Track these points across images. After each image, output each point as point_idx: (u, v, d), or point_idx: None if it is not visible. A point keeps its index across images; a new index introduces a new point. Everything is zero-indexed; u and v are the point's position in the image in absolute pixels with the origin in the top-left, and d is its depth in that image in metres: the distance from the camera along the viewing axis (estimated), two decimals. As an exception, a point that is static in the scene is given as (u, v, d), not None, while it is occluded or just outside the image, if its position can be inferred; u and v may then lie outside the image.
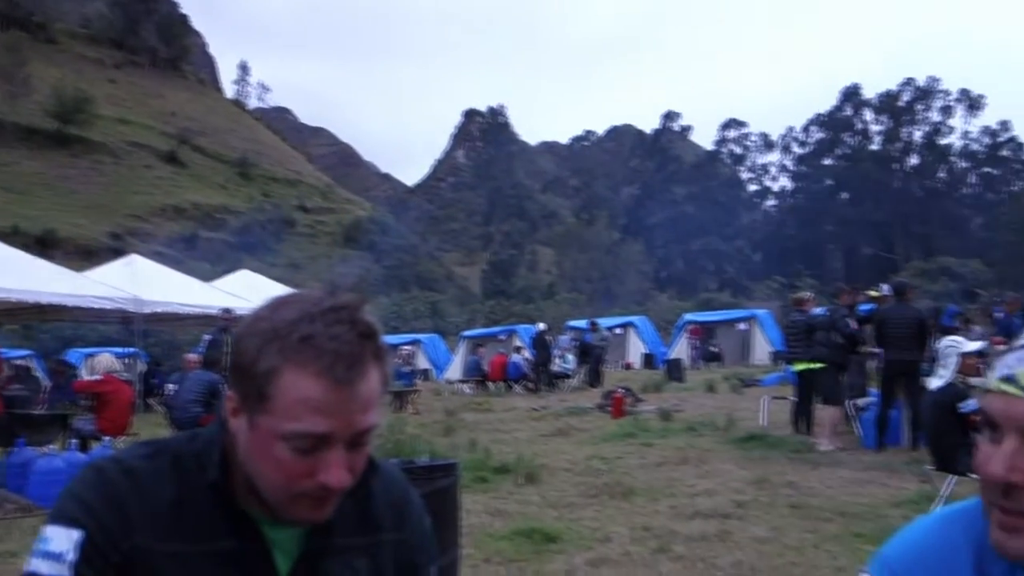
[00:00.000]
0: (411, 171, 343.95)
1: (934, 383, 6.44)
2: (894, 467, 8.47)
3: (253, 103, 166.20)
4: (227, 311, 11.76)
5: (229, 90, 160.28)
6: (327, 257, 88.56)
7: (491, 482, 8.04)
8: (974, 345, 6.52)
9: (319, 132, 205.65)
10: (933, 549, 1.08)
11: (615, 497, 7.29)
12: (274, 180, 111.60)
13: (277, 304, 1.12)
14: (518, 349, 23.50)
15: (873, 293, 11.65)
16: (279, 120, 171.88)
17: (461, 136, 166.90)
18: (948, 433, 6.11)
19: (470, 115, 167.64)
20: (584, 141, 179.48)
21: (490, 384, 22.40)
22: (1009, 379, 0.97)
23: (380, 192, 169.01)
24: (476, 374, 22.99)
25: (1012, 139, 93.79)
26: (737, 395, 17.57)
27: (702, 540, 5.69)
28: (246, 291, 15.60)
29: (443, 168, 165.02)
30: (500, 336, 32.62)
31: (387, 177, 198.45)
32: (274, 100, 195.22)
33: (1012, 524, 0.97)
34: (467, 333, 34.11)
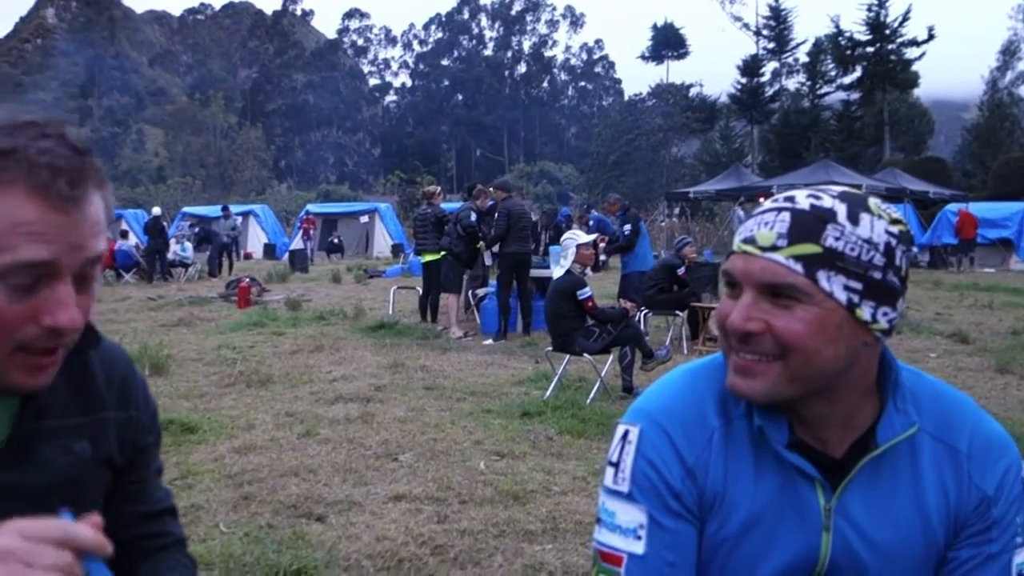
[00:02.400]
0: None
1: (556, 272, 7.08)
2: (512, 351, 9.28)
3: None
4: None
5: None
6: None
7: (112, 376, 7.42)
8: (588, 238, 7.25)
9: None
10: (683, 396, 1.20)
11: (252, 386, 7.13)
12: None
13: None
14: (125, 234, 21.61)
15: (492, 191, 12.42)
16: None
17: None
18: (567, 317, 6.80)
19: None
20: (198, 14, 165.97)
21: (95, 272, 20.37)
22: (749, 240, 1.08)
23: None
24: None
25: (604, 57, 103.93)
26: (362, 286, 17.93)
27: (347, 422, 5.80)
28: None
29: (29, 28, 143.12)
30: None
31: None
32: None
33: (739, 366, 1.09)
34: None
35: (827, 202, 1.06)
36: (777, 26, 55.56)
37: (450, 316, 10.66)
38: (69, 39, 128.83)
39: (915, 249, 1.10)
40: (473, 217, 10.76)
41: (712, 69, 70.94)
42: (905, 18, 46.88)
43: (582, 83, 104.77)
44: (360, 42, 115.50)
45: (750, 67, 55.43)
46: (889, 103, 47.11)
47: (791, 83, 56.54)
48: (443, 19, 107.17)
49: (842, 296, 1.04)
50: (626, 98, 78.67)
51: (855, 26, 48.74)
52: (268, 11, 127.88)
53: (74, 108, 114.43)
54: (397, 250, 28.06)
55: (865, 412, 1.13)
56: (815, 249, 1.03)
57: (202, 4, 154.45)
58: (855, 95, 50.25)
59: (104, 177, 0.96)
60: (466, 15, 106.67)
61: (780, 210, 1.08)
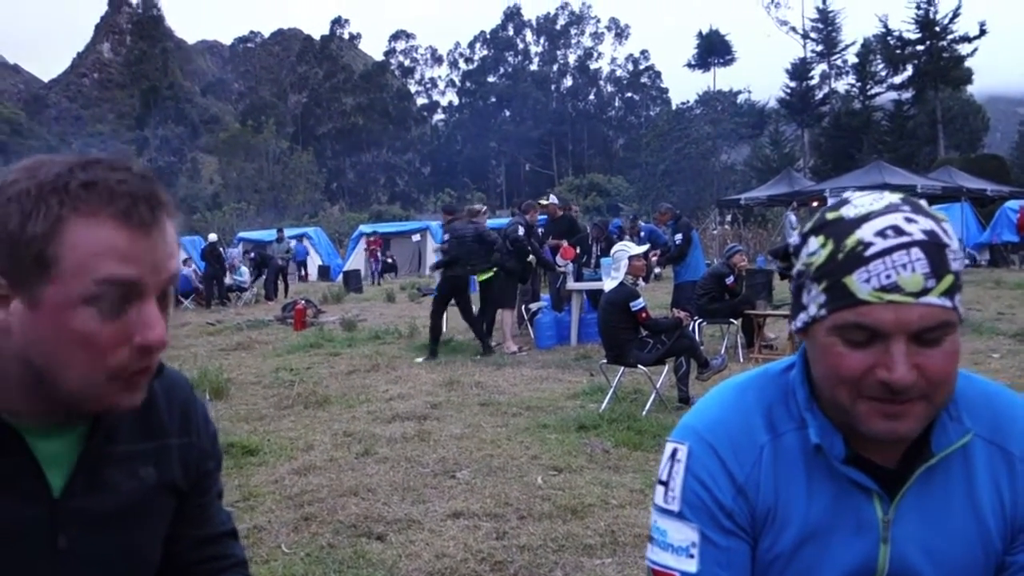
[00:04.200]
0: (47, 64, 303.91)
1: (608, 284, 7.06)
2: (567, 364, 9.26)
3: None
4: None
5: None
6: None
7: (175, 400, 7.58)
8: (639, 249, 7.22)
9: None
10: (731, 412, 1.20)
11: (310, 407, 7.23)
12: None
13: (29, 167, 0.96)
14: (185, 261, 22.14)
15: (543, 202, 12.44)
16: None
17: (106, 28, 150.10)
18: (621, 329, 6.77)
19: (116, 4, 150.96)
20: (248, 43, 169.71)
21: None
22: (891, 288, 1.01)
23: (7, 86, 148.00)
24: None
25: (651, 67, 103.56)
26: (416, 304, 18.06)
27: (404, 441, 5.85)
28: None
29: (86, 63, 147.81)
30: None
31: (16, 69, 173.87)
32: None
33: (894, 412, 1.04)
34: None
35: (929, 224, 1.03)
36: (825, 28, 54.92)
37: (504, 331, 10.67)
38: (125, 72, 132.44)
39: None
40: (521, 231, 10.79)
41: (760, 74, 70.32)
42: (956, 14, 45.98)
43: (629, 94, 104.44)
44: (407, 63, 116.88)
45: (799, 70, 54.84)
46: (942, 101, 46.13)
47: (841, 85, 55.81)
48: (488, 36, 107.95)
49: (963, 313, 1.05)
50: (674, 107, 78.31)
51: (904, 25, 47.96)
52: (316, 36, 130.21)
53: (131, 139, 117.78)
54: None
55: None
56: (952, 280, 1.02)
57: (252, 32, 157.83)
58: (907, 94, 49.37)
59: (172, 203, 1.01)
60: (511, 31, 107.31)
61: (904, 247, 1.02)
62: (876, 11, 50.79)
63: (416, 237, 32.53)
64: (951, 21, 46.10)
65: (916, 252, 1.01)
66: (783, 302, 10.86)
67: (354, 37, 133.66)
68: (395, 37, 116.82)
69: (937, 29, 46.36)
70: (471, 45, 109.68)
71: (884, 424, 1.05)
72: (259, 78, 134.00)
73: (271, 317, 15.38)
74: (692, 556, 1.14)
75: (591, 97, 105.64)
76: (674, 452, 1.19)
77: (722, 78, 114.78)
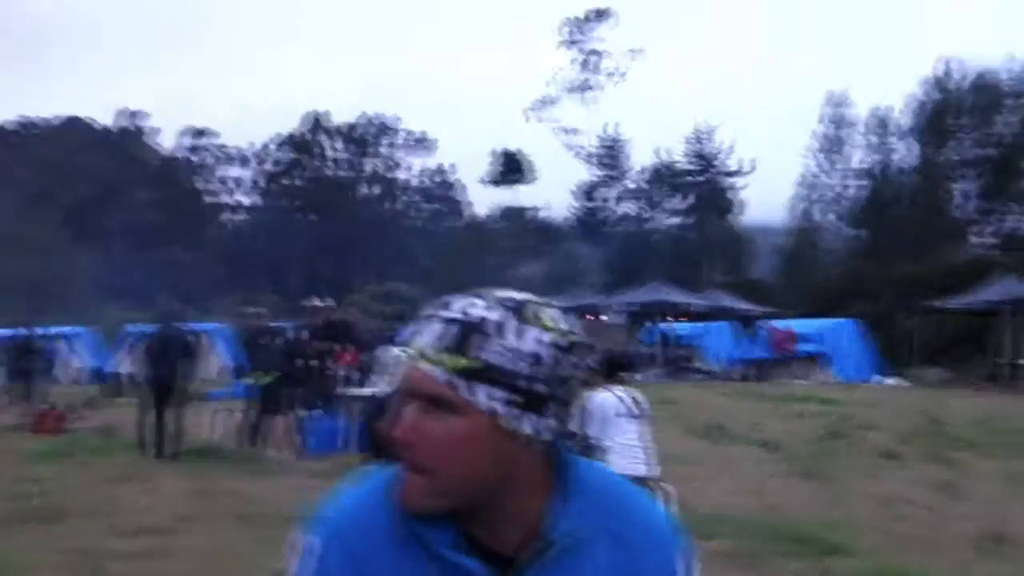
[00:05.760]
0: None
1: (370, 390, 7.03)
2: (336, 471, 9.02)
3: None
4: None
5: None
6: None
7: None
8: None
9: None
10: (362, 506, 1.19)
11: (45, 521, 6.60)
12: None
13: None
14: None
15: (318, 304, 12.31)
16: None
17: None
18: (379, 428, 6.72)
19: None
20: (34, 129, 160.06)
21: None
22: (407, 348, 1.11)
23: None
24: None
25: (455, 180, 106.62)
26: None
27: (144, 557, 5.45)
28: None
29: None
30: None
31: None
32: None
33: (403, 478, 1.09)
34: None
35: (479, 311, 1.08)
36: (612, 154, 58.91)
37: (276, 437, 10.30)
38: None
39: (588, 360, 1.11)
40: (305, 334, 10.64)
41: (555, 190, 74.04)
42: (729, 150, 51.07)
43: (432, 204, 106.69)
44: (206, 160, 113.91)
45: (587, 193, 58.33)
46: (715, 228, 50.56)
47: (628, 208, 59.67)
48: (291, 138, 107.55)
49: (488, 406, 1.05)
50: (474, 219, 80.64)
51: (684, 157, 52.69)
52: (108, 126, 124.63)
53: None
54: (239, 371, 27.04)
55: (537, 508, 1.13)
56: (461, 360, 1.05)
57: (36, 118, 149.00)
58: (685, 220, 53.80)
59: None
60: (316, 135, 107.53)
61: (431, 318, 1.10)
62: (658, 142, 55.48)
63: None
64: (725, 156, 51.20)
65: (435, 325, 1.09)
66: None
67: (151, 131, 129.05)
68: (196, 134, 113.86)
69: (712, 163, 51.27)
70: (276, 146, 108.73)
71: (398, 489, 1.10)
72: (42, 165, 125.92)
73: (18, 421, 14.06)
74: None
75: (395, 205, 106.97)
76: (295, 543, 1.21)
77: (523, 193, 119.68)
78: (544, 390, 1.08)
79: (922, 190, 41.23)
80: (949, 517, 6.49)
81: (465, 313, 1.08)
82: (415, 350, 1.09)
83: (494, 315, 1.08)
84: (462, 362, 1.05)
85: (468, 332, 1.06)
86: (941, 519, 6.43)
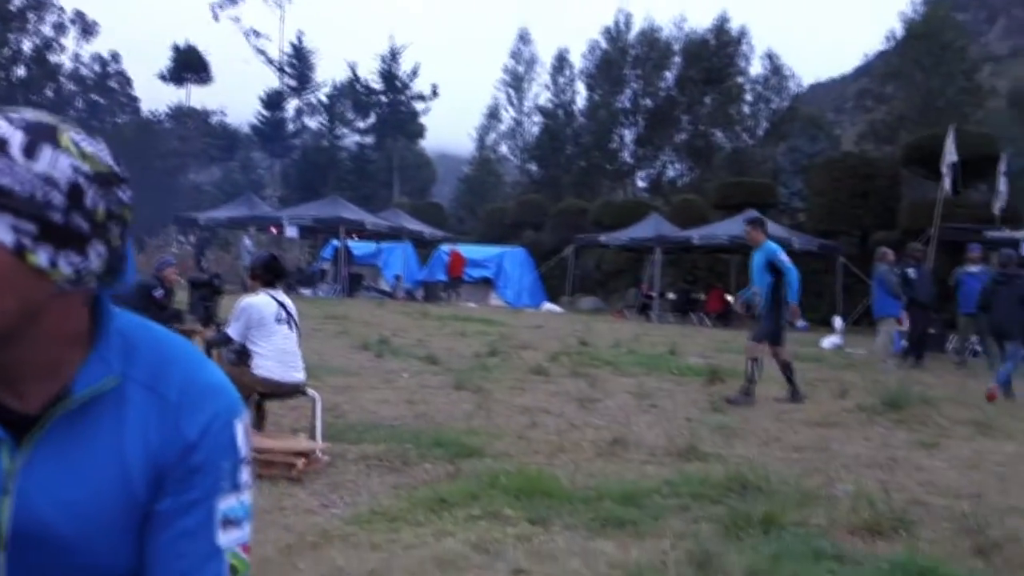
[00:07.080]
0: None
1: None
2: None
3: None
4: None
5: None
6: None
7: None
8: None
9: None
10: None
11: None
12: None
13: None
14: None
15: None
16: None
17: None
18: None
19: None
20: None
21: None
22: None
23: None
24: None
25: (122, 72, 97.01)
26: None
27: None
28: None
29: None
30: None
31: None
32: None
33: None
34: None
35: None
36: (300, 65, 56.89)
37: None
38: None
39: (124, 195, 0.98)
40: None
41: (236, 98, 70.21)
42: (414, 73, 51.31)
43: (94, 96, 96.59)
44: None
45: (273, 101, 55.93)
46: (399, 150, 50.98)
47: (313, 122, 58.22)
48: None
49: (7, 238, 0.91)
50: (143, 117, 74.19)
51: (371, 75, 52.11)
52: None
53: None
54: None
55: (72, 364, 1.03)
56: None
57: None
58: (369, 140, 53.55)
59: None
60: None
61: None
62: (347, 57, 54.37)
63: None
64: (410, 80, 51.37)
65: None
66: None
67: None
68: None
69: (398, 84, 51.25)
70: None
71: None
72: None
73: None
74: None
75: (50, 93, 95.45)
76: None
77: (197, 96, 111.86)
78: (81, 225, 0.96)
79: (591, 132, 44.53)
80: (579, 426, 7.09)
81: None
82: None
83: (17, 134, 0.93)
84: None
85: None
86: (572, 427, 7.02)
